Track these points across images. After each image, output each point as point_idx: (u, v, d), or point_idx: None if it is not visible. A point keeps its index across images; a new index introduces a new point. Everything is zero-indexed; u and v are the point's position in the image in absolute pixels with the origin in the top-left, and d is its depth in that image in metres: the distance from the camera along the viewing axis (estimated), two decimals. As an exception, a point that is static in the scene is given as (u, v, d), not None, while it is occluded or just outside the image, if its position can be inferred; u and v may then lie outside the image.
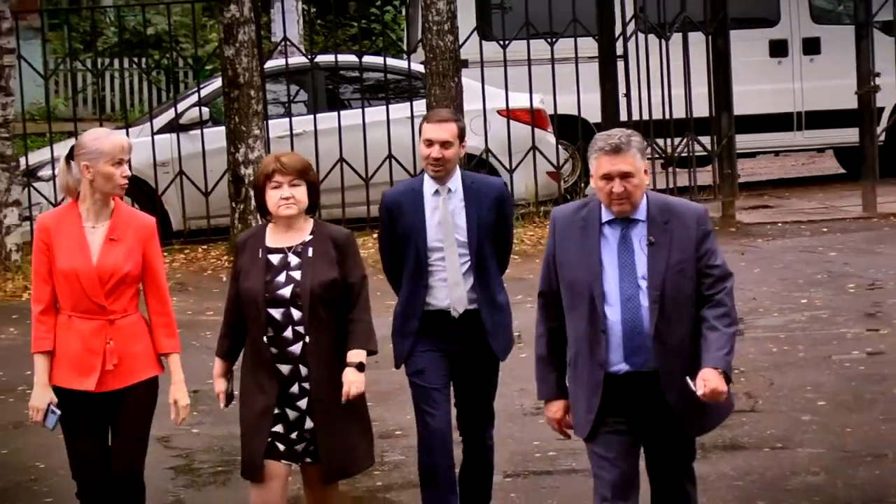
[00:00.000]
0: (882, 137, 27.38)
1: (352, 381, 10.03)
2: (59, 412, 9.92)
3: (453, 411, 12.11)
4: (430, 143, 11.18)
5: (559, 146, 26.76)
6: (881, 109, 27.44)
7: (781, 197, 27.18)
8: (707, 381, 8.98)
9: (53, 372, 10.07)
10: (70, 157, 10.43)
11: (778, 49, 28.56)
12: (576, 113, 26.72)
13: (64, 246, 9.97)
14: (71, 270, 9.90)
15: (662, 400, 9.34)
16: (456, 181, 11.44)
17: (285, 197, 10.19)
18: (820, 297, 20.98)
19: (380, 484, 14.49)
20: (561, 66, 26.85)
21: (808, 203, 26.93)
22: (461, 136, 11.51)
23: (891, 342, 18.75)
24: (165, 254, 24.95)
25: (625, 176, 9.08)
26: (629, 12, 26.98)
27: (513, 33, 27.31)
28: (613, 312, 9.28)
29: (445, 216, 11.28)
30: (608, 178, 9.10)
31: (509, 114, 26.53)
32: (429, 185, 11.45)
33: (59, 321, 10.09)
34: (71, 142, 26.83)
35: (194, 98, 27.28)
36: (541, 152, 26.77)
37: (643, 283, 9.30)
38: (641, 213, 9.35)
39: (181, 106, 27.38)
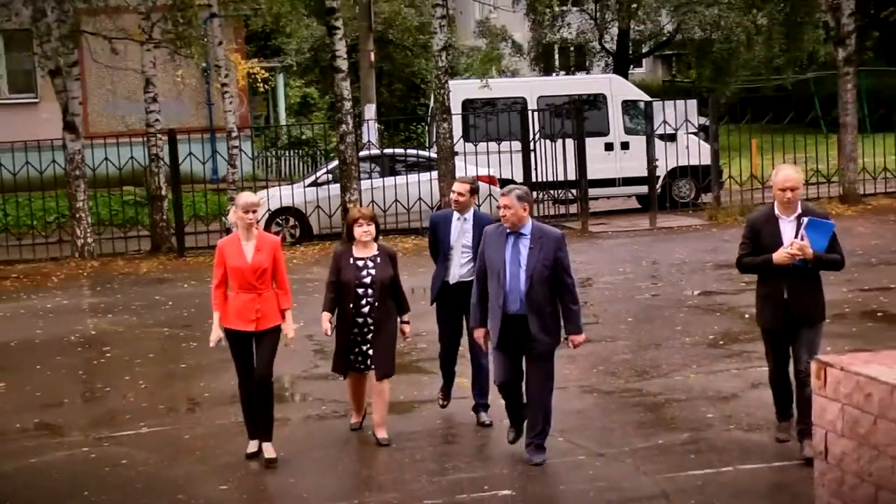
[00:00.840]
0: (659, 190, 27.21)
1: (407, 329, 11.30)
2: (223, 342, 10.69)
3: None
4: (453, 192, 11.64)
5: (499, 190, 26.53)
6: (660, 176, 27.28)
7: (611, 219, 26.87)
8: (573, 340, 10.27)
9: (228, 320, 10.55)
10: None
11: (608, 147, 28.31)
12: (510, 177, 26.42)
13: (231, 254, 10.52)
14: (236, 267, 10.44)
15: (531, 329, 9.94)
16: (470, 214, 11.56)
17: (365, 231, 10.80)
18: (629, 268, 20.79)
19: (415, 358, 14.48)
20: (503, 155, 26.52)
21: (623, 222, 26.70)
22: (472, 191, 11.71)
23: (663, 290, 18.58)
24: (308, 245, 24.78)
25: (506, 207, 9.89)
26: (537, 128, 26.82)
27: (480, 139, 26.97)
28: (508, 281, 9.91)
29: (460, 231, 11.48)
30: (500, 208, 10.03)
31: (478, 178, 26.31)
32: (455, 215, 11.60)
33: (230, 295, 10.57)
34: (263, 192, 26.78)
35: (324, 170, 26.96)
36: (494, 198, 26.17)
37: (524, 268, 9.89)
38: (527, 231, 9.97)
39: (319, 174, 27.18)
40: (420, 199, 25.75)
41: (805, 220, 9.48)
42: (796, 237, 9.45)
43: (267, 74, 36.25)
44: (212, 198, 28.13)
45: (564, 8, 49.45)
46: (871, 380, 7.33)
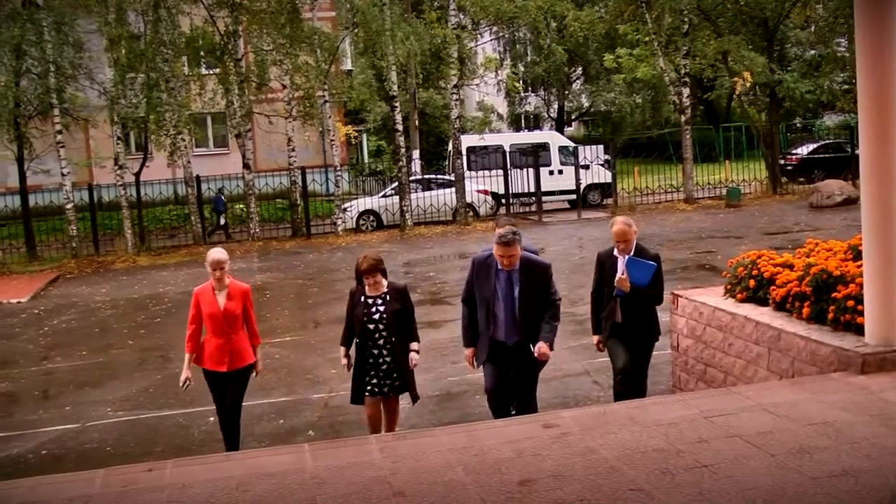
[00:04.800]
0: (581, 194, 26.87)
1: (415, 359, 6.93)
2: (191, 382, 7.26)
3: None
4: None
5: (491, 198, 26.34)
6: (585, 188, 26.97)
7: (554, 214, 26.42)
8: (540, 349, 6.43)
9: (203, 361, 7.24)
10: None
11: (551, 173, 27.77)
12: (496, 190, 26.28)
13: (206, 302, 7.14)
14: (210, 313, 7.11)
15: (522, 353, 6.60)
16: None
17: (372, 283, 6.89)
18: (566, 242, 20.38)
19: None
20: (491, 178, 26.34)
21: (561, 215, 26.17)
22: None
23: (585, 254, 18.22)
24: (381, 232, 24.64)
25: (511, 255, 6.39)
26: (510, 162, 26.59)
27: (478, 169, 26.72)
28: (500, 312, 6.55)
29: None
30: (502, 256, 6.43)
31: (480, 191, 26.20)
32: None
33: (206, 337, 7.22)
34: (356, 201, 26.63)
35: (390, 188, 26.47)
36: (487, 201, 26.16)
37: (517, 301, 6.48)
38: (516, 267, 6.49)
39: (387, 190, 26.67)
40: (445, 203, 25.63)
41: (626, 257, 7.10)
42: (622, 274, 7.14)
43: (356, 133, 36.17)
44: (326, 204, 28.11)
45: (526, 93, 49.69)
46: (702, 304, 7.26)
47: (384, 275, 7.08)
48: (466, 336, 6.93)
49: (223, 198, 26.08)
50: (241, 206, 26.54)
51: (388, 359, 6.99)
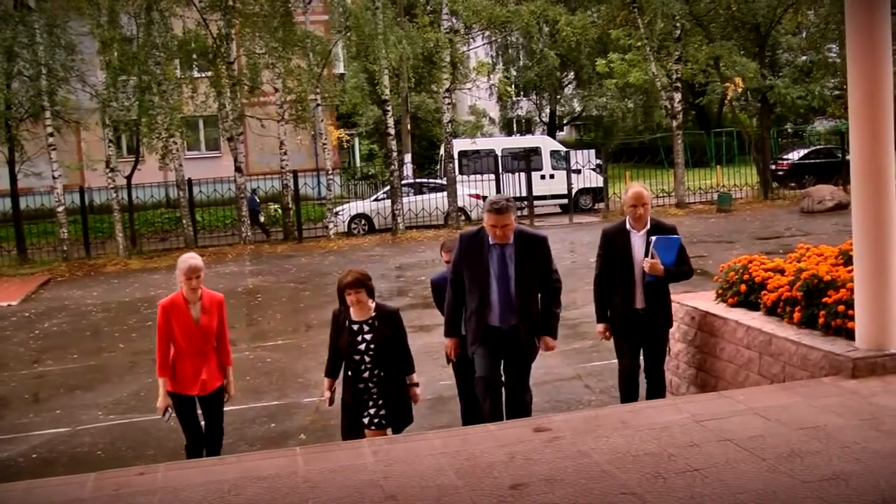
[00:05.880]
0: (573, 198, 26.87)
1: (418, 393, 6.27)
2: (172, 412, 6.28)
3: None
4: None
5: (482, 202, 26.25)
6: (576, 192, 26.96)
7: (546, 218, 26.41)
8: (547, 343, 6.04)
9: (175, 384, 6.24)
10: None
11: (544, 176, 27.94)
12: (487, 195, 26.17)
13: (178, 316, 6.18)
14: (184, 328, 6.17)
15: (517, 338, 5.94)
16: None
17: (354, 299, 5.94)
18: (557, 246, 20.21)
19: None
20: (483, 182, 26.26)
21: (553, 220, 26.23)
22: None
23: (577, 258, 18.24)
24: (373, 235, 24.57)
25: (504, 226, 5.84)
26: (501, 166, 26.60)
27: (470, 173, 26.85)
28: (494, 295, 5.92)
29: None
30: (494, 226, 5.86)
31: (472, 195, 26.16)
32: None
33: (174, 357, 6.25)
34: (347, 205, 26.57)
35: (382, 192, 26.42)
36: (479, 205, 26.03)
37: (513, 280, 5.90)
38: (510, 240, 5.91)
39: (378, 194, 26.56)
40: (436, 207, 25.58)
41: (653, 239, 6.46)
42: (647, 255, 6.50)
43: (348, 137, 36.15)
44: (317, 208, 28.07)
45: (518, 98, 49.81)
46: (694, 308, 7.27)
47: (371, 294, 6.11)
48: (449, 324, 6.22)
49: (257, 198, 26.37)
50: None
51: (374, 392, 6.11)
